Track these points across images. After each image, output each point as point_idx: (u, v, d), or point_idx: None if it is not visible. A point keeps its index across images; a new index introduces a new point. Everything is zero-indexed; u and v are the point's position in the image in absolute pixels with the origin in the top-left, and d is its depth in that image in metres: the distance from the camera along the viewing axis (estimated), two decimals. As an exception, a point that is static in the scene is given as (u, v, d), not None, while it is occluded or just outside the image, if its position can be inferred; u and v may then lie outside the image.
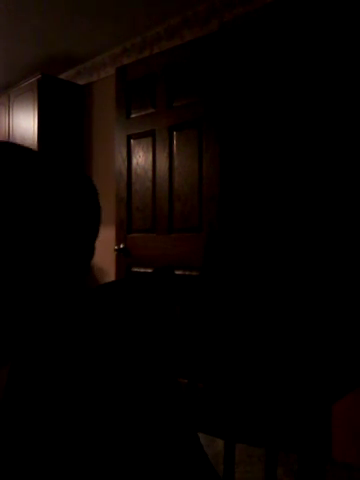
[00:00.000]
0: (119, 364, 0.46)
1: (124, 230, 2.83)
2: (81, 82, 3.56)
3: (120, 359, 0.47)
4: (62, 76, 3.70)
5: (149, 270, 2.67)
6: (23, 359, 0.46)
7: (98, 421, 0.43)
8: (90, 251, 0.52)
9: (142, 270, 2.71)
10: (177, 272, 2.50)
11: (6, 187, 0.44)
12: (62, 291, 0.48)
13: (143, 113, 2.73)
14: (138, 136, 2.77)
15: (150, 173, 2.69)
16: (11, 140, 3.59)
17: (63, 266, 0.47)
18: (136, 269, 2.75)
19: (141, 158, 2.75)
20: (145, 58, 2.73)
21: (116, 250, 2.82)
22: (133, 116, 2.80)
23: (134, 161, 2.79)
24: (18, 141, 3.47)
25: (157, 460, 0.43)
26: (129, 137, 2.82)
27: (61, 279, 0.47)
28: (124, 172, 2.85)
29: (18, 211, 0.43)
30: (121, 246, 2.82)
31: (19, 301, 0.44)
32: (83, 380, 0.45)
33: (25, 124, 3.38)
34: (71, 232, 0.48)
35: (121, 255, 2.83)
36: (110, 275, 3.20)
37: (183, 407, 0.48)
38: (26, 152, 0.47)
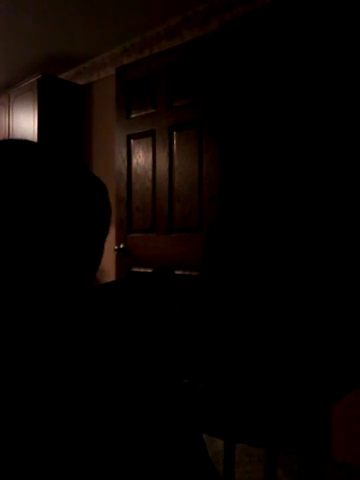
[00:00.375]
0: (120, 364, 0.46)
1: (124, 230, 2.83)
2: (81, 82, 3.56)
3: (121, 359, 0.47)
4: (62, 76, 3.70)
5: (149, 270, 2.67)
6: (22, 359, 0.45)
7: (100, 422, 0.43)
8: (99, 252, 0.52)
9: (142, 270, 2.71)
10: (177, 272, 2.50)
11: (14, 185, 0.43)
12: (68, 292, 0.47)
13: (143, 113, 2.73)
14: (138, 136, 2.77)
15: (150, 173, 2.69)
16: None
17: (71, 266, 0.47)
18: (136, 269, 2.75)
19: (141, 158, 2.75)
20: (145, 58, 2.73)
21: (116, 250, 2.82)
22: (133, 116, 2.80)
23: (134, 161, 2.79)
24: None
25: (159, 461, 0.43)
26: (129, 137, 2.82)
27: (68, 279, 0.47)
28: (124, 172, 2.84)
29: (26, 209, 0.43)
30: (121, 246, 2.82)
31: (22, 300, 0.43)
32: (84, 380, 0.44)
33: (25, 124, 3.38)
34: (80, 232, 0.47)
35: (121, 255, 2.83)
36: (110, 275, 3.20)
37: (186, 407, 0.48)
38: (35, 149, 0.47)
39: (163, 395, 0.46)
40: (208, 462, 0.48)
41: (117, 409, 0.43)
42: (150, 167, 2.69)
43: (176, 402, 0.47)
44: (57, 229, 0.45)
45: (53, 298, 0.45)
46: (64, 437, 0.42)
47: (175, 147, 2.55)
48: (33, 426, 0.42)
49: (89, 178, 0.50)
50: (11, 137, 3.54)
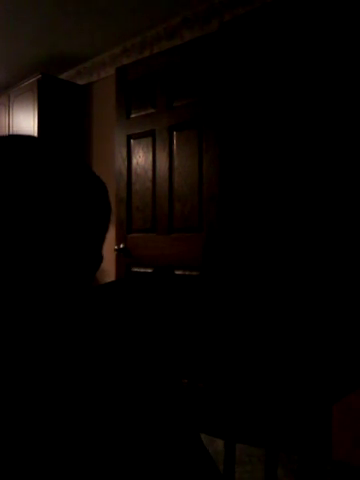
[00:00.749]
0: (120, 364, 0.46)
1: (124, 230, 2.83)
2: (81, 82, 3.56)
3: (121, 359, 0.47)
4: (62, 76, 3.70)
5: (149, 270, 2.67)
6: (21, 358, 0.45)
7: (100, 422, 0.43)
8: (99, 250, 0.51)
9: (142, 270, 2.71)
10: (177, 272, 2.50)
11: (14, 180, 0.42)
12: (68, 290, 0.47)
13: (143, 113, 2.73)
14: (138, 136, 2.77)
15: (150, 173, 2.69)
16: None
17: (70, 264, 0.46)
18: (136, 269, 2.75)
19: (141, 158, 2.75)
20: (145, 58, 2.73)
21: (116, 250, 2.82)
22: (133, 116, 2.80)
23: (134, 161, 2.79)
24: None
25: (160, 460, 0.43)
26: (129, 137, 2.82)
27: (68, 277, 0.46)
28: (124, 172, 2.84)
29: (26, 205, 0.42)
30: (121, 246, 2.82)
31: (21, 299, 0.43)
32: (84, 380, 0.44)
33: (25, 124, 3.38)
34: (80, 229, 0.46)
35: (121, 255, 2.83)
36: (110, 275, 3.20)
37: (185, 406, 0.48)
38: (36, 144, 0.46)
39: (162, 395, 0.46)
40: (210, 461, 0.48)
41: (117, 409, 0.43)
42: (150, 167, 2.69)
43: (175, 402, 0.47)
44: (57, 226, 0.44)
45: (53, 297, 0.45)
46: (64, 437, 0.42)
47: (175, 147, 2.55)
48: (33, 425, 0.42)
49: (89, 175, 0.50)
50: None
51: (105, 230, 0.52)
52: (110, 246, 3.16)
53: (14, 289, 0.42)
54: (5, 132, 3.63)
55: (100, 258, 0.52)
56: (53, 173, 0.45)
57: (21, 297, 0.43)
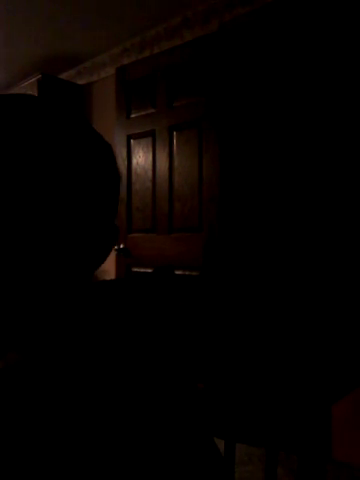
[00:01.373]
0: (121, 364, 0.46)
1: (124, 230, 2.83)
2: (81, 82, 3.56)
3: (122, 359, 0.47)
4: (62, 76, 3.70)
5: (149, 270, 2.67)
6: (20, 358, 0.45)
7: (101, 424, 0.42)
8: (112, 218, 0.46)
9: (142, 270, 2.71)
10: (177, 272, 2.50)
11: (12, 144, 0.38)
12: (72, 276, 0.43)
13: (143, 113, 2.73)
14: (138, 136, 2.77)
15: (150, 173, 2.69)
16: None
17: (77, 241, 0.41)
18: (136, 269, 2.75)
19: (141, 158, 2.75)
20: (145, 58, 2.73)
21: (116, 250, 2.82)
22: (133, 116, 2.80)
23: (134, 161, 2.79)
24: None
25: (168, 462, 0.43)
26: (129, 137, 2.82)
27: (74, 256, 0.42)
28: (124, 172, 2.84)
29: (23, 167, 0.38)
30: (121, 246, 2.82)
31: (19, 289, 0.40)
32: (84, 381, 0.44)
33: (25, 124, 3.38)
34: (85, 197, 0.41)
35: (121, 255, 2.83)
36: (110, 275, 3.20)
37: (190, 406, 0.48)
38: (33, 100, 0.42)
39: (165, 396, 0.46)
40: (220, 463, 0.47)
41: (117, 411, 0.43)
42: (150, 167, 2.69)
43: (175, 402, 0.47)
44: (65, 191, 0.39)
45: (54, 284, 0.42)
46: (66, 440, 0.42)
47: (175, 147, 2.55)
48: (33, 428, 0.42)
49: (94, 135, 0.45)
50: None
51: (116, 197, 0.47)
52: (110, 246, 3.15)
53: (18, 273, 0.39)
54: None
55: (116, 230, 0.47)
56: (56, 132, 0.40)
57: (25, 284, 0.40)
